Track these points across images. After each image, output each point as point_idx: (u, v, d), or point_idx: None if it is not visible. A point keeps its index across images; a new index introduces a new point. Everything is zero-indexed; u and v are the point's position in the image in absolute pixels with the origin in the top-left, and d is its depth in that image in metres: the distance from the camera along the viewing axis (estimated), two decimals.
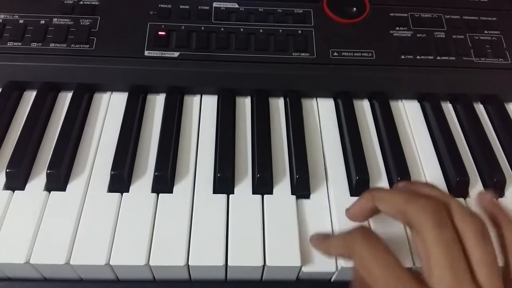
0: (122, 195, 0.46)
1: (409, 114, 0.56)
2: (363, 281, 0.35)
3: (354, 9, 0.59)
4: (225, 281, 0.45)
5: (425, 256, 0.33)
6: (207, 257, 0.42)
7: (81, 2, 0.57)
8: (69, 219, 0.44)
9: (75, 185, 0.46)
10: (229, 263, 0.42)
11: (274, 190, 0.47)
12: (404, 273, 0.33)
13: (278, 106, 0.55)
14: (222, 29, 0.56)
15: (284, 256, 0.42)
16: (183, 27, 0.56)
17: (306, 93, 0.56)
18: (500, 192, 0.49)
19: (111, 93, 0.55)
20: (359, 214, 0.41)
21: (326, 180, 0.49)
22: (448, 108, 0.57)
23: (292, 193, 0.47)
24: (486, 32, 0.59)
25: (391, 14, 0.59)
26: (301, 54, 0.55)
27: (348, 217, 0.42)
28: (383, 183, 0.49)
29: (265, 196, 0.46)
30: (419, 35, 0.58)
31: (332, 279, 0.44)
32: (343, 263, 0.42)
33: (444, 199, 0.35)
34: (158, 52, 0.54)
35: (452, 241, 0.32)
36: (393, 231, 0.44)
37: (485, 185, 0.49)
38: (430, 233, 0.33)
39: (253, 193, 0.47)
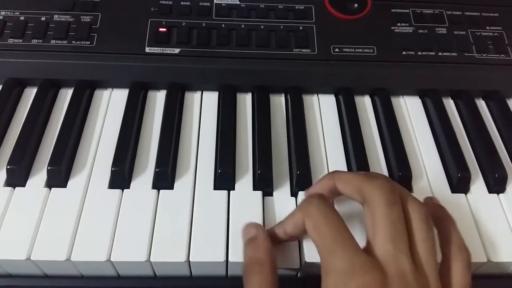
0: (123, 191, 0.46)
1: (410, 110, 0.56)
2: None
3: (356, 5, 0.58)
4: (226, 277, 0.45)
5: (371, 227, 0.35)
6: (208, 253, 0.42)
7: None
8: (70, 216, 0.44)
9: (76, 181, 0.46)
10: (230, 259, 0.42)
11: (275, 186, 0.47)
12: (351, 238, 0.35)
13: (279, 102, 0.55)
14: (223, 25, 0.56)
15: (284, 252, 0.42)
16: (184, 24, 0.56)
17: (307, 89, 0.56)
18: (502, 188, 0.49)
19: (112, 90, 0.55)
20: (320, 192, 0.41)
21: None
22: (449, 104, 0.57)
23: (292, 190, 0.47)
24: (488, 28, 0.59)
25: (392, 10, 0.59)
26: (302, 50, 0.55)
27: (307, 194, 0.43)
28: None
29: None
30: (421, 31, 0.58)
31: None
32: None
33: (398, 185, 0.39)
34: (159, 48, 0.54)
35: (398, 218, 0.35)
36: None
37: (486, 181, 0.49)
38: (380, 208, 0.35)
39: (254, 189, 0.47)
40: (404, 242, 0.34)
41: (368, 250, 0.35)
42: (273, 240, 0.41)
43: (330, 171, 0.49)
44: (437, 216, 0.40)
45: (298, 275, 0.44)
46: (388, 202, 0.35)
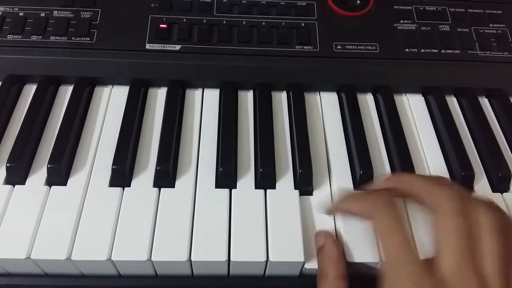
0: (123, 189, 0.45)
1: (413, 108, 0.55)
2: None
3: (358, 1, 0.58)
4: (228, 276, 0.45)
5: (438, 237, 0.35)
6: (209, 252, 0.41)
7: None
8: (70, 214, 0.43)
9: (76, 179, 0.46)
10: (231, 259, 0.41)
11: (277, 184, 0.47)
12: (416, 253, 0.35)
13: (281, 100, 0.55)
14: (224, 21, 0.56)
15: (287, 251, 0.42)
16: (184, 20, 0.55)
17: (309, 86, 0.56)
18: (506, 187, 0.48)
19: (112, 87, 0.55)
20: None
21: (329, 174, 0.48)
22: (452, 102, 0.56)
23: (296, 188, 0.47)
24: (491, 25, 0.58)
25: (395, 7, 0.59)
26: (304, 47, 0.55)
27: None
28: None
29: (267, 190, 0.46)
30: (424, 28, 0.57)
31: None
32: None
33: (469, 193, 0.38)
34: (159, 45, 0.54)
35: (468, 231, 0.34)
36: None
37: (490, 180, 0.49)
38: (451, 219, 0.34)
39: (256, 187, 0.46)
40: (471, 258, 0.33)
41: (434, 263, 0.34)
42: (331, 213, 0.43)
43: (332, 169, 0.49)
44: None
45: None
46: (459, 213, 0.34)
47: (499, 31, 0.58)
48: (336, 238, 0.42)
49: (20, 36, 0.54)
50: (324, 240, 0.41)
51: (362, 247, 0.42)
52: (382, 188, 0.41)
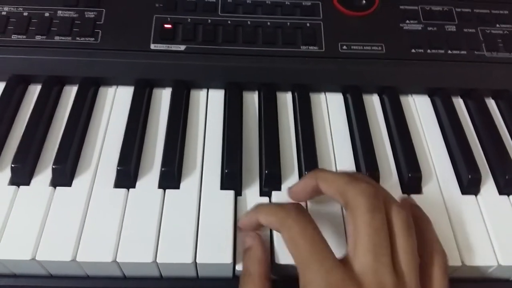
0: (128, 190, 0.45)
1: (419, 109, 0.55)
2: None
3: (364, 1, 0.58)
4: (233, 278, 0.44)
5: (352, 235, 0.35)
6: (215, 255, 0.41)
7: None
8: (75, 215, 0.43)
9: (81, 180, 0.46)
10: (237, 261, 0.41)
11: (283, 186, 0.47)
12: (328, 251, 0.35)
13: (286, 100, 0.55)
14: (229, 22, 0.56)
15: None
16: (189, 20, 0.55)
17: (315, 87, 0.55)
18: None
19: (117, 87, 0.54)
20: (302, 192, 0.42)
21: None
22: (459, 103, 0.56)
23: None
24: (498, 25, 0.58)
25: (401, 7, 0.58)
26: (309, 48, 0.55)
27: (290, 195, 0.43)
28: (394, 179, 0.48)
29: (273, 192, 0.46)
30: (430, 28, 0.57)
31: None
32: None
33: (382, 189, 0.38)
34: (164, 45, 0.54)
35: (381, 227, 0.34)
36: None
37: (496, 182, 0.49)
38: (363, 216, 0.34)
39: (261, 189, 0.46)
40: (386, 253, 0.34)
41: (348, 259, 0.34)
42: (242, 226, 0.42)
43: (338, 169, 0.49)
44: (414, 216, 0.40)
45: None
46: (371, 209, 0.35)
47: (505, 31, 0.57)
48: (262, 241, 0.42)
49: (24, 36, 0.53)
50: (251, 240, 0.41)
51: None
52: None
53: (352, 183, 0.36)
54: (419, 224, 0.39)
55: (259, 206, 0.41)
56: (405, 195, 0.47)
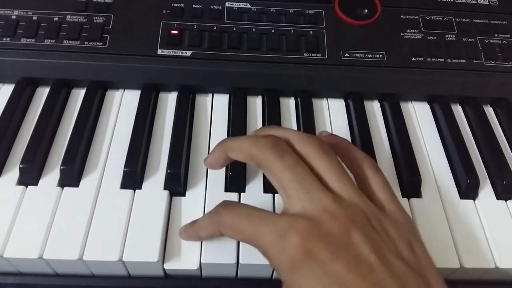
0: (134, 191, 0.46)
1: (419, 116, 0.56)
2: None
3: (366, 10, 0.59)
4: (236, 279, 0.45)
5: (279, 186, 0.35)
6: (219, 255, 0.42)
7: (95, 0, 0.57)
8: (82, 215, 0.44)
9: (88, 181, 0.47)
10: (240, 261, 0.42)
11: None
12: (266, 214, 0.34)
13: (289, 106, 0.56)
14: (234, 29, 0.57)
15: None
16: (195, 26, 0.56)
17: (317, 93, 0.56)
18: (510, 195, 0.49)
19: (124, 91, 0.55)
20: (216, 163, 0.42)
21: None
22: (458, 111, 0.57)
23: None
24: (496, 35, 0.59)
25: (402, 16, 0.60)
26: (312, 55, 0.56)
27: (207, 165, 0.43)
28: (394, 184, 0.49)
29: (276, 194, 0.47)
30: (430, 37, 0.58)
31: None
32: None
33: (282, 133, 0.38)
34: (170, 50, 0.55)
35: (295, 163, 0.35)
36: None
37: (494, 187, 0.50)
38: (275, 164, 0.35)
39: (265, 191, 0.47)
40: (312, 181, 0.34)
41: (289, 209, 0.34)
42: (184, 237, 0.43)
43: None
44: (333, 143, 0.40)
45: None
46: (278, 155, 0.35)
47: (504, 41, 0.59)
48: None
49: (33, 40, 0.54)
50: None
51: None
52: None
53: (254, 143, 0.37)
54: (340, 147, 0.40)
55: (193, 222, 0.42)
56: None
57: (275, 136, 0.37)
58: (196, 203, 0.46)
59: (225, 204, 0.37)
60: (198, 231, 0.41)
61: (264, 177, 0.48)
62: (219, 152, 0.40)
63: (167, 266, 0.42)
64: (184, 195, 0.47)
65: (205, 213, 0.44)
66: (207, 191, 0.47)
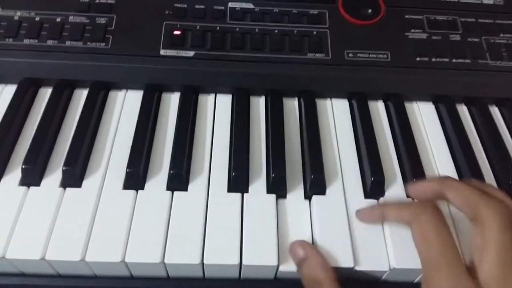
0: (137, 192, 0.46)
1: (424, 116, 0.56)
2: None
3: (369, 10, 0.58)
4: (239, 280, 0.45)
5: (480, 248, 0.35)
6: (221, 256, 0.42)
7: (97, 1, 0.57)
8: (84, 216, 0.44)
9: (90, 181, 0.47)
10: (243, 262, 0.42)
11: (288, 189, 0.47)
12: (458, 255, 0.35)
13: (292, 106, 0.55)
14: (237, 29, 0.57)
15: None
16: (198, 27, 0.56)
17: (321, 93, 0.56)
18: None
19: (126, 91, 0.55)
20: (423, 192, 0.42)
21: (342, 181, 0.49)
22: (463, 111, 0.57)
23: (306, 193, 0.47)
24: (501, 35, 0.59)
25: (406, 16, 0.59)
26: (316, 55, 0.55)
27: (410, 190, 0.44)
28: (398, 185, 0.49)
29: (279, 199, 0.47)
30: (435, 37, 0.58)
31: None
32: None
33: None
34: (173, 51, 0.54)
35: (510, 246, 0.34)
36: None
37: (500, 187, 0.49)
38: (493, 231, 0.34)
39: (268, 192, 0.47)
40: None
41: (475, 269, 0.34)
42: (362, 216, 0.44)
43: (344, 175, 0.49)
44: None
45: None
46: (502, 227, 0.34)
47: (509, 41, 0.58)
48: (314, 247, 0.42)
49: (36, 41, 0.54)
50: (303, 251, 0.41)
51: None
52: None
53: (484, 199, 0.36)
54: None
55: (387, 204, 0.43)
56: None
57: (508, 206, 0.36)
58: (198, 203, 0.45)
59: (435, 207, 0.38)
60: (386, 210, 0.41)
61: (268, 178, 0.48)
62: (437, 184, 0.40)
63: (167, 260, 0.41)
64: None
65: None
66: (209, 192, 0.46)
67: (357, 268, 0.42)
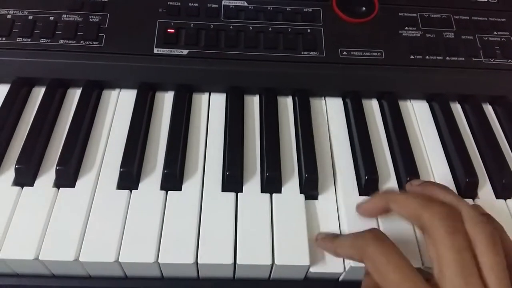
0: (131, 192, 0.46)
1: (417, 114, 0.56)
2: (374, 283, 0.36)
3: (363, 8, 0.58)
4: (233, 280, 0.45)
5: (436, 259, 0.34)
6: (216, 255, 0.42)
7: None
8: (78, 216, 0.44)
9: (84, 181, 0.46)
10: (237, 262, 0.42)
11: (283, 189, 0.47)
12: (417, 277, 0.33)
13: (286, 104, 0.55)
14: (231, 27, 0.56)
15: (293, 255, 0.42)
16: (192, 25, 0.56)
17: (315, 92, 0.56)
18: (509, 194, 0.49)
19: (120, 90, 0.55)
20: (371, 211, 0.42)
21: (335, 179, 0.49)
22: (456, 109, 0.57)
23: (301, 192, 0.47)
24: (495, 33, 0.59)
25: (400, 14, 0.59)
26: (310, 53, 0.55)
27: (359, 212, 0.43)
28: (392, 183, 0.49)
29: (273, 194, 0.46)
30: (428, 35, 0.58)
31: (340, 279, 0.44)
32: (352, 263, 0.42)
33: (457, 204, 0.36)
34: (167, 49, 0.54)
35: (464, 248, 0.33)
36: (401, 230, 0.44)
37: (494, 186, 0.49)
38: (443, 239, 0.33)
39: (262, 191, 0.47)
40: (474, 273, 0.32)
41: (437, 283, 0.33)
42: (320, 246, 0.43)
43: (338, 174, 0.49)
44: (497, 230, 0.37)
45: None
46: (450, 232, 0.33)
47: (503, 38, 0.58)
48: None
49: (29, 39, 0.54)
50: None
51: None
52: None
53: (424, 207, 0.35)
54: (504, 237, 0.37)
55: (334, 237, 0.41)
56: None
57: (451, 207, 0.35)
58: (192, 202, 0.45)
59: (376, 236, 0.36)
60: (336, 249, 0.40)
61: (262, 177, 0.48)
62: (380, 200, 0.40)
63: (162, 260, 0.41)
64: None
65: (346, 234, 0.43)
66: (203, 191, 0.46)
67: (353, 265, 0.42)
